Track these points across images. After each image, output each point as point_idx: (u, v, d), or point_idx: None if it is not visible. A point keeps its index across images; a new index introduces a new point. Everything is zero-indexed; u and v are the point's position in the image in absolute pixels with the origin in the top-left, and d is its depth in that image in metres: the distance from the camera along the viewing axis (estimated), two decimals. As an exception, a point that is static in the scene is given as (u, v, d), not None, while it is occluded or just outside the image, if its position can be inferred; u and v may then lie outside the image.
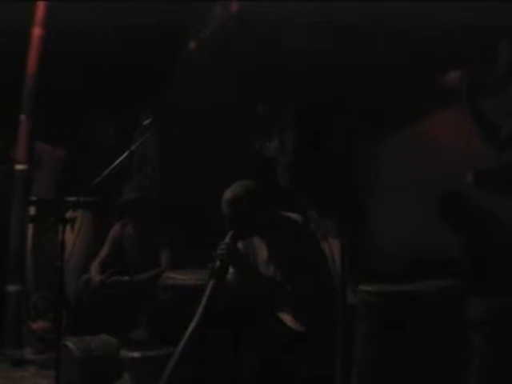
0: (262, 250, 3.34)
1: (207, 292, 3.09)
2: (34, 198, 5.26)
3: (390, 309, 2.94)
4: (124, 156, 3.81)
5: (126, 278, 4.53)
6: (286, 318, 3.26)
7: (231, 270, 3.27)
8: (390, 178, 4.30)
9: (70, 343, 4.11)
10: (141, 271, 4.58)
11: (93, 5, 5.10)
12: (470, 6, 3.50)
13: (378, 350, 2.91)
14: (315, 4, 4.27)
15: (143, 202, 4.62)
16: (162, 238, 4.60)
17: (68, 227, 3.68)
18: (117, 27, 5.49)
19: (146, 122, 4.09)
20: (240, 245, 3.34)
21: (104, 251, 4.75)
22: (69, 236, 3.71)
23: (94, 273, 4.62)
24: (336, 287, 2.99)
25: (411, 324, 2.89)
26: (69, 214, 3.73)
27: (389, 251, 4.14)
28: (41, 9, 5.02)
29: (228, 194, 3.25)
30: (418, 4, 3.69)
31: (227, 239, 3.19)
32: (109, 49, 5.84)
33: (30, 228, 5.25)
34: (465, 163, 3.89)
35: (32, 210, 5.24)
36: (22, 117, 5.09)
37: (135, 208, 4.64)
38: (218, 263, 3.13)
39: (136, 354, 3.89)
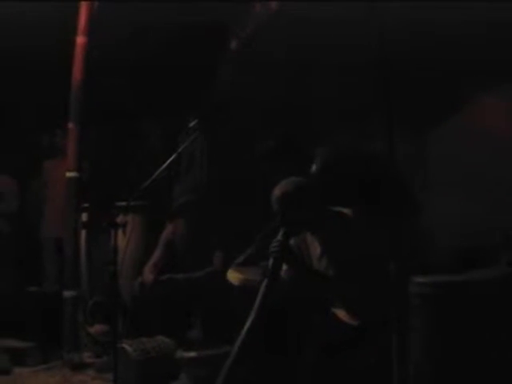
0: (314, 246, 3.32)
1: (261, 290, 3.09)
2: (85, 205, 5.33)
3: (445, 299, 2.90)
4: (172, 158, 3.84)
5: (181, 275, 4.53)
6: (341, 314, 3.23)
7: (284, 267, 3.27)
8: (439, 170, 4.25)
9: (127, 346, 4.14)
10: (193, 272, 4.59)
11: (135, 6, 5.15)
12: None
13: (434, 341, 2.88)
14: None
15: (195, 204, 4.62)
16: (214, 238, 4.60)
17: (119, 232, 3.72)
18: (160, 29, 5.54)
19: (192, 124, 4.11)
20: (292, 241, 3.33)
21: (157, 253, 4.76)
22: (121, 240, 3.73)
23: (148, 273, 4.64)
24: (390, 280, 2.97)
25: (467, 314, 2.85)
26: (120, 219, 3.78)
27: (441, 242, 4.10)
28: (83, 16, 5.07)
29: (278, 191, 3.23)
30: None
31: (279, 236, 3.17)
32: (152, 51, 5.89)
33: (83, 234, 5.33)
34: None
35: (84, 216, 5.32)
36: (70, 125, 5.15)
37: (187, 210, 4.64)
38: (271, 261, 3.12)
39: (192, 354, 3.92)
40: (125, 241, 4.08)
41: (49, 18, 5.26)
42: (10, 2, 5.28)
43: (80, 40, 5.09)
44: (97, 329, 5.05)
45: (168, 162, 3.82)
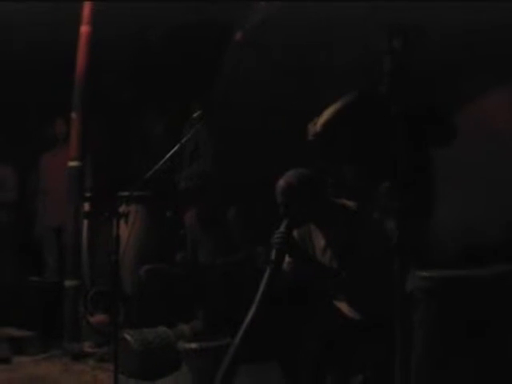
0: (318, 238, 3.31)
1: (264, 282, 3.07)
2: (87, 194, 5.33)
3: (448, 294, 2.89)
4: (175, 149, 3.83)
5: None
6: (343, 306, 3.23)
7: (287, 258, 3.25)
8: (444, 164, 4.24)
9: (128, 336, 4.16)
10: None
11: (144, 4, 5.15)
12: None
13: (437, 336, 2.87)
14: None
15: (202, 188, 4.64)
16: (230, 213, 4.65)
17: (122, 222, 3.72)
18: (165, 24, 5.54)
19: (195, 115, 4.10)
20: (296, 233, 3.31)
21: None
22: (123, 230, 3.73)
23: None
24: (393, 274, 2.96)
25: (469, 310, 2.84)
26: (122, 209, 3.77)
27: (445, 237, 4.09)
28: (88, 7, 5.06)
29: (282, 183, 3.21)
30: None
31: (282, 228, 3.15)
32: (158, 45, 5.90)
33: (85, 224, 5.33)
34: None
35: (86, 206, 5.31)
36: (73, 115, 5.13)
37: (196, 194, 4.66)
38: (273, 252, 3.11)
39: (193, 346, 3.92)
40: (127, 231, 4.06)
41: (50, 10, 5.27)
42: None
43: (84, 29, 5.07)
44: (98, 319, 5.06)
45: (171, 152, 3.81)
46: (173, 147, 3.84)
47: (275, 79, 5.11)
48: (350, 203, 3.27)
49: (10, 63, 5.84)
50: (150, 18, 5.53)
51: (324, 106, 4.78)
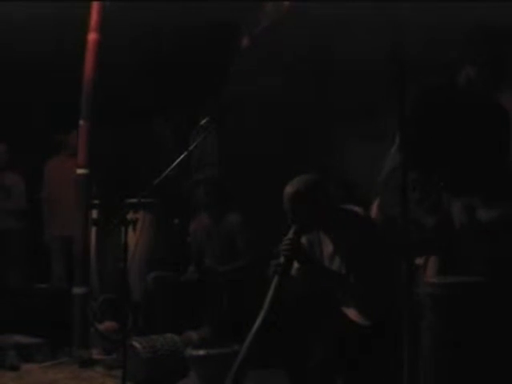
0: (327, 244, 3.31)
1: (272, 289, 3.07)
2: (95, 202, 5.33)
3: (455, 300, 2.88)
4: (183, 156, 3.84)
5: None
6: (351, 313, 3.22)
7: (296, 265, 3.25)
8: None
9: (136, 343, 4.15)
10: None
11: (148, 5, 5.15)
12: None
13: (445, 342, 2.86)
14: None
15: (209, 195, 4.66)
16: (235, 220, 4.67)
17: (130, 229, 3.72)
18: (172, 28, 5.55)
19: (202, 122, 4.11)
20: (304, 239, 3.31)
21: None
22: (131, 238, 3.73)
23: None
24: (400, 279, 2.95)
25: (476, 315, 2.83)
26: (130, 216, 3.77)
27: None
28: (95, 13, 5.07)
29: (289, 189, 3.21)
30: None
31: (290, 234, 3.15)
32: (164, 50, 5.90)
33: (93, 231, 5.34)
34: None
35: (94, 213, 5.32)
36: (81, 122, 5.14)
37: (202, 201, 4.66)
38: (281, 259, 3.11)
39: (201, 353, 3.92)
40: (135, 238, 4.07)
41: (60, 16, 5.28)
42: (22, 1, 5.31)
43: (91, 37, 5.09)
44: (106, 326, 5.06)
45: (179, 159, 3.82)
46: (181, 154, 3.85)
47: (284, 82, 5.11)
48: (357, 209, 3.27)
49: (22, 67, 5.86)
50: (159, 20, 5.54)
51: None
